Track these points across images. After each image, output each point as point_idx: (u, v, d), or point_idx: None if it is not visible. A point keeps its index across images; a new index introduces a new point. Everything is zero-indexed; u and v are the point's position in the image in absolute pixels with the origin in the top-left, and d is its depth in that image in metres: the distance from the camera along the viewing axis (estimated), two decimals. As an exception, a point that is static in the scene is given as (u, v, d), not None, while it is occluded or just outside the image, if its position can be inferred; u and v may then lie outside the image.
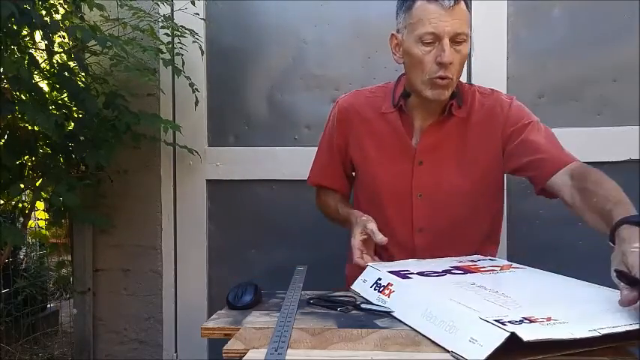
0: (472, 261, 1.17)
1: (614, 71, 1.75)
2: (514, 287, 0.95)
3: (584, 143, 1.72)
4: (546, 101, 1.78)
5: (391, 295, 0.99)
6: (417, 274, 1.04)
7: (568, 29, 1.77)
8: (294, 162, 1.83)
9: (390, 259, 1.27)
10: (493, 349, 0.66)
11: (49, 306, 2.74)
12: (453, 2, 1.14)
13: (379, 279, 1.05)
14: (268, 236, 1.90)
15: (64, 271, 2.64)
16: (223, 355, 0.85)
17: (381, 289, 1.02)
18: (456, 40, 1.16)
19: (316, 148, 1.49)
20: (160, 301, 1.92)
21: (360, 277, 1.12)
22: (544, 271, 1.05)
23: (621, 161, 1.72)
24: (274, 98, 1.91)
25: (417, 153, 1.29)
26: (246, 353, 0.82)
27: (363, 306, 1.04)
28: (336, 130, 1.40)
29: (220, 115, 1.92)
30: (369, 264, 1.15)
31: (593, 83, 1.76)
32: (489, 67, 1.77)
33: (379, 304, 0.99)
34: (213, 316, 1.04)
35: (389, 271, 1.06)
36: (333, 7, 1.86)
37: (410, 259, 1.21)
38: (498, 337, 0.66)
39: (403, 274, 1.04)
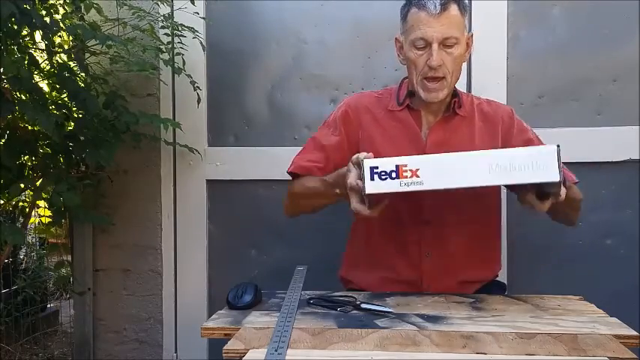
0: None
1: (614, 71, 1.75)
2: None
3: (584, 143, 1.72)
4: (546, 101, 1.78)
5: (418, 172, 0.98)
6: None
7: (568, 29, 1.77)
8: (294, 162, 1.82)
9: (400, 247, 1.35)
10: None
11: (49, 306, 2.74)
12: (440, 9, 1.22)
13: (393, 169, 1.00)
14: (268, 236, 1.90)
15: (63, 271, 2.64)
16: (223, 355, 0.86)
17: (399, 174, 0.99)
18: (446, 43, 1.24)
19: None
20: (160, 301, 1.92)
21: (365, 175, 1.00)
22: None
23: (621, 161, 1.72)
24: (274, 98, 1.90)
25: (426, 147, 1.33)
26: (246, 353, 0.82)
27: (363, 306, 1.04)
28: (341, 127, 1.40)
29: (220, 115, 1.92)
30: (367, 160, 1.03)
31: (593, 83, 1.76)
32: (489, 67, 1.77)
33: (403, 189, 0.98)
34: (213, 316, 1.05)
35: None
36: (333, 7, 1.85)
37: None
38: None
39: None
